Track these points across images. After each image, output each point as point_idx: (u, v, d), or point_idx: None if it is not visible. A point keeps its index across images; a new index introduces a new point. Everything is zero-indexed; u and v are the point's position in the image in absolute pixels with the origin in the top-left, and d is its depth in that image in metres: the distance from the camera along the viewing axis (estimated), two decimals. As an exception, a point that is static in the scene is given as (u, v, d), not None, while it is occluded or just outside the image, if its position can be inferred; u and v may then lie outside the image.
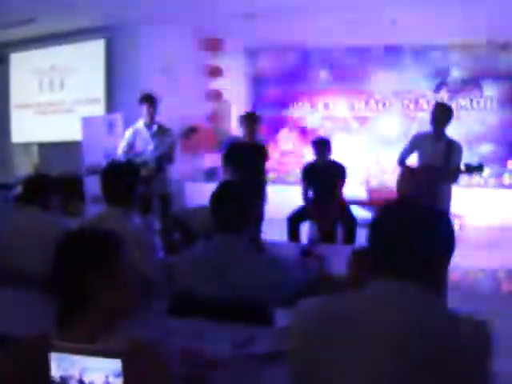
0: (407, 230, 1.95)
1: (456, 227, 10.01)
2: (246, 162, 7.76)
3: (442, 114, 6.99)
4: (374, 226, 2.06)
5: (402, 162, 7.28)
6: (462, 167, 6.80)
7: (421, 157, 7.13)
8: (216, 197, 3.45)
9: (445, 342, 1.82)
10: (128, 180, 4.23)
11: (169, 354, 1.94)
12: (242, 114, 8.48)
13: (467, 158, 7.30)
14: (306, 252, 4.65)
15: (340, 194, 7.89)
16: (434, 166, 6.78)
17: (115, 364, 1.52)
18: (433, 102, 12.31)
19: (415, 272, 1.93)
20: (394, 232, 1.97)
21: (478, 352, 1.87)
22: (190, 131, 8.01)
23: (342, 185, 7.89)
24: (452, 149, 6.91)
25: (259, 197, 7.68)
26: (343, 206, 7.87)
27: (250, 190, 3.60)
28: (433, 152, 6.88)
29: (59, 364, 1.56)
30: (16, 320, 2.86)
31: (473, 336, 1.87)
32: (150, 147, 7.93)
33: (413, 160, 7.26)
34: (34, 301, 3.08)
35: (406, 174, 7.18)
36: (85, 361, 1.54)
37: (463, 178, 11.45)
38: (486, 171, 11.95)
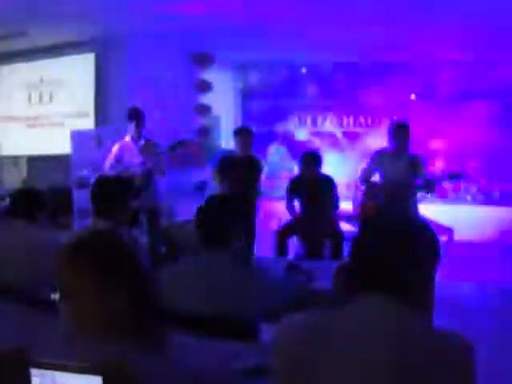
0: (389, 244, 1.96)
1: (444, 242, 10.06)
2: (238, 176, 7.78)
3: (401, 131, 7.09)
4: (356, 241, 2.06)
5: (364, 179, 7.37)
6: (441, 176, 6.91)
7: (383, 173, 7.22)
8: (202, 211, 3.46)
9: (428, 357, 1.82)
10: (119, 194, 4.23)
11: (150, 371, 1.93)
12: (237, 128, 8.52)
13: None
14: (292, 267, 4.65)
15: (330, 209, 7.89)
16: (399, 181, 6.87)
17: (96, 381, 1.52)
18: (422, 118, 12.48)
19: (399, 286, 1.93)
20: (376, 247, 1.97)
21: (461, 367, 1.87)
22: (177, 145, 8.02)
23: (336, 199, 7.90)
24: (414, 163, 7.01)
25: (248, 211, 7.69)
26: (331, 221, 7.87)
27: (237, 203, 3.61)
28: (395, 168, 6.97)
29: (41, 380, 1.56)
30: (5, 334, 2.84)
31: (456, 351, 1.88)
32: (138, 161, 7.94)
33: (375, 177, 7.36)
34: (19, 314, 3.07)
35: (371, 190, 7.26)
36: (66, 377, 1.54)
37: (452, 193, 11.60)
38: (474, 186, 12.07)
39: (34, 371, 1.57)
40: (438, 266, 2.05)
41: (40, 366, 1.57)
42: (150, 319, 2.02)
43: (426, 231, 2.05)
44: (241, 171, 7.88)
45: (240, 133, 8.23)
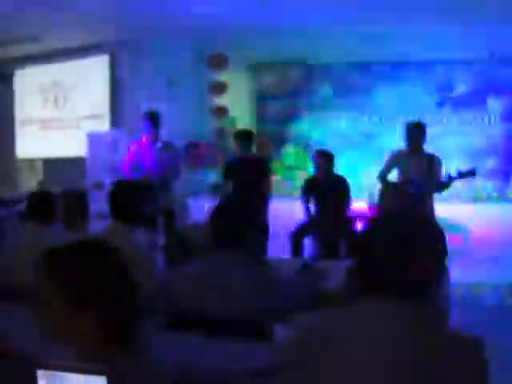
0: (398, 244, 1.94)
1: (460, 241, 10.03)
2: (243, 177, 7.77)
3: (416, 131, 7.10)
4: (363, 241, 2.06)
5: (382, 178, 7.38)
6: (454, 174, 6.89)
7: (401, 173, 7.23)
8: (213, 213, 3.46)
9: (437, 357, 1.82)
10: (136, 198, 4.25)
11: (158, 371, 1.94)
12: (235, 131, 8.51)
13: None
14: (307, 267, 4.65)
15: (345, 209, 7.89)
16: (416, 180, 6.88)
17: (101, 381, 1.53)
18: (437, 117, 12.45)
19: (408, 287, 1.93)
20: (384, 247, 1.96)
21: (473, 367, 1.86)
22: (191, 147, 8.06)
23: (348, 199, 7.91)
24: (432, 163, 7.01)
25: (258, 212, 7.66)
26: (346, 221, 7.87)
27: (247, 205, 3.61)
28: (413, 168, 6.98)
29: (47, 381, 1.57)
30: (14, 335, 2.85)
31: (467, 351, 1.87)
32: (155, 163, 7.97)
33: (393, 176, 7.37)
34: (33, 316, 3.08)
35: (389, 189, 7.27)
36: (72, 378, 1.55)
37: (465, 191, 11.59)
38: (489, 185, 12.02)
39: (40, 372, 1.59)
40: (446, 267, 2.03)
41: (46, 368, 1.58)
42: (124, 328, 1.98)
43: (434, 231, 2.04)
44: (244, 172, 7.86)
45: (237, 136, 8.21)
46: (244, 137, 8.15)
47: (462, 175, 6.94)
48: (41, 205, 4.64)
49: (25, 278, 3.83)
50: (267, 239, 7.91)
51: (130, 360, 1.85)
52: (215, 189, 8.48)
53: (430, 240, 1.99)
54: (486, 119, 12.42)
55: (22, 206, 6.78)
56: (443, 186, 7.05)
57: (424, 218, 2.10)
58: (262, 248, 7.77)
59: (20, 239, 4.48)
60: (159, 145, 8.04)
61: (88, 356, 1.82)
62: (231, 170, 8.08)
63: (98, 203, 10.01)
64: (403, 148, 7.26)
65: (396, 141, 11.74)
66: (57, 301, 1.91)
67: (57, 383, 1.57)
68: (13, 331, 2.45)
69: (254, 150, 8.40)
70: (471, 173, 6.98)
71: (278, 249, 7.68)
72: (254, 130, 12.55)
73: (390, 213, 2.04)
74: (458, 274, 5.67)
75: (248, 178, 7.87)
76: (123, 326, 1.93)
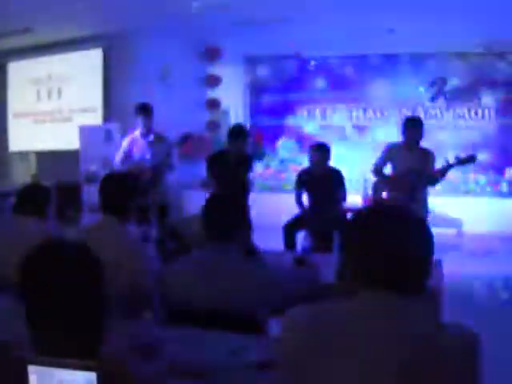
0: (387, 236, 1.93)
1: (453, 235, 10.05)
2: (224, 173, 7.69)
3: (413, 127, 7.07)
4: (354, 232, 2.05)
5: (377, 171, 7.37)
6: (454, 160, 6.88)
7: (395, 167, 7.22)
8: (206, 208, 3.45)
9: (432, 352, 1.81)
10: (126, 190, 4.21)
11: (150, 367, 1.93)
12: (230, 127, 8.29)
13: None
14: (300, 260, 4.64)
15: (339, 202, 7.87)
16: (410, 174, 6.88)
17: (91, 377, 1.52)
18: (431, 111, 12.46)
19: (402, 280, 1.92)
20: (374, 240, 1.95)
21: (465, 362, 1.86)
22: (184, 139, 8.00)
23: (344, 193, 7.87)
24: (426, 158, 7.01)
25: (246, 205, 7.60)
26: (340, 214, 7.85)
27: (238, 200, 3.60)
28: (407, 162, 6.97)
29: (39, 377, 1.57)
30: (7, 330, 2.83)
31: (459, 346, 1.86)
32: (147, 156, 7.94)
33: (387, 170, 7.36)
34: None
35: (383, 182, 7.27)
36: (62, 373, 1.55)
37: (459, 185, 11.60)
38: (483, 179, 12.03)
39: (31, 368, 1.58)
40: (440, 260, 2.03)
41: (37, 363, 1.57)
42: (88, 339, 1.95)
43: (420, 225, 2.02)
44: (225, 169, 7.74)
45: (230, 133, 7.97)
46: (237, 133, 7.95)
47: (460, 161, 6.92)
48: (31, 198, 4.61)
49: (9, 271, 3.81)
50: (252, 233, 7.86)
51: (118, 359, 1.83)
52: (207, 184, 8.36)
53: (420, 237, 1.98)
54: (480, 113, 12.43)
55: (15, 199, 6.76)
56: (439, 175, 7.01)
57: (412, 214, 2.07)
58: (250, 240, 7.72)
59: (8, 233, 4.44)
60: (151, 137, 8.01)
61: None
62: (217, 166, 7.92)
63: (92, 196, 10.05)
64: (399, 142, 7.23)
65: (390, 134, 11.77)
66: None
67: (48, 378, 1.56)
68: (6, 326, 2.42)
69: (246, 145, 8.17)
70: (471, 159, 6.95)
71: (271, 242, 7.67)
72: (248, 123, 12.56)
73: (382, 206, 2.01)
74: (451, 267, 5.67)
75: (236, 175, 7.81)
76: (88, 336, 1.90)
